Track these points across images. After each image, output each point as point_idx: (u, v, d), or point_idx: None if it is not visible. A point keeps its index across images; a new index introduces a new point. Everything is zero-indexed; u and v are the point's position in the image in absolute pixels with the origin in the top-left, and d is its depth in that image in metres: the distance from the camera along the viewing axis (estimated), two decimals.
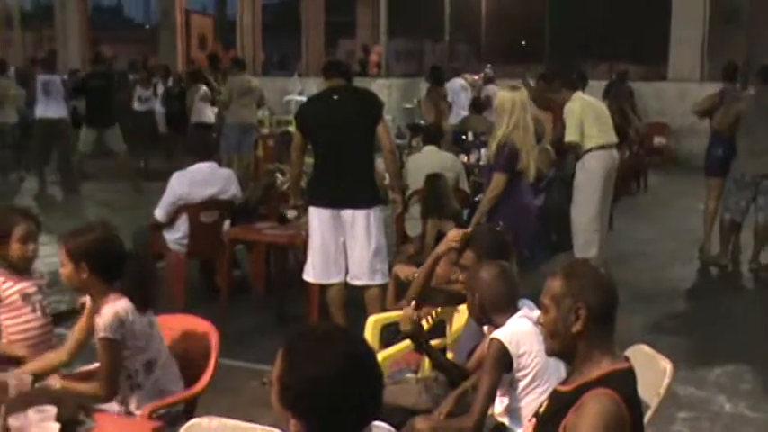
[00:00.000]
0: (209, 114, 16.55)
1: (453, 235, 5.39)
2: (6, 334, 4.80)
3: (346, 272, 7.22)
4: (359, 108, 7.29)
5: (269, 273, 8.82)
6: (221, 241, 8.49)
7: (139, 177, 15.99)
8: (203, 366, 4.50)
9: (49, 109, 15.42)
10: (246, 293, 8.75)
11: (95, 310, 4.27)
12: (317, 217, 7.10)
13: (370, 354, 2.72)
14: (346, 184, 7.10)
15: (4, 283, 4.85)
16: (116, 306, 4.18)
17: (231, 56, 19.73)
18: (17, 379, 3.95)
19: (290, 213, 7.91)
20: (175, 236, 8.36)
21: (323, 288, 7.31)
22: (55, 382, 4.27)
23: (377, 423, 2.68)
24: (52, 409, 3.28)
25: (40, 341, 4.89)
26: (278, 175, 9.80)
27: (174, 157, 16.52)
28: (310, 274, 7.27)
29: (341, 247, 7.12)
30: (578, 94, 9.66)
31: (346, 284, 7.27)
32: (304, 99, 15.34)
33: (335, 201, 7.07)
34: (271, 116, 18.53)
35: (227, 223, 8.68)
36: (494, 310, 4.34)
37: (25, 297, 4.88)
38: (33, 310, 4.90)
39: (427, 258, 6.13)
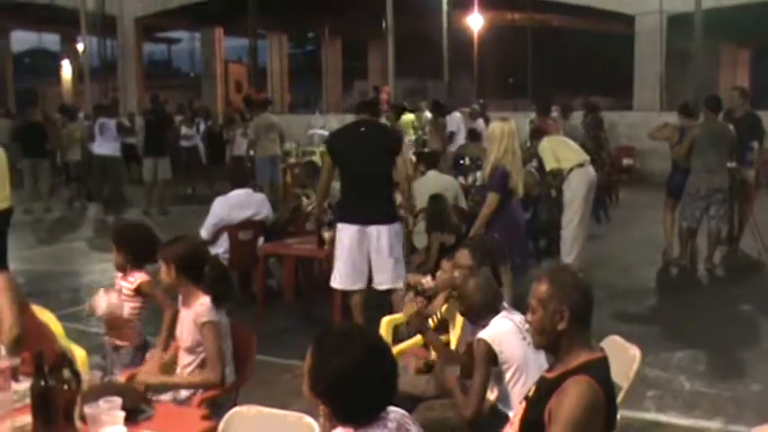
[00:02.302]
0: (245, 148, 16.66)
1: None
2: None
3: (369, 280, 7.18)
4: (382, 140, 7.27)
5: (297, 281, 8.82)
6: (256, 255, 8.51)
7: (166, 202, 16.09)
8: (244, 362, 4.52)
9: (103, 147, 15.60)
10: (279, 299, 8.75)
11: (186, 307, 4.40)
12: (347, 233, 7.02)
13: (386, 348, 2.77)
14: (372, 204, 7.05)
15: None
16: (207, 298, 4.30)
17: (263, 97, 19.80)
18: (88, 375, 3.98)
19: (328, 235, 7.85)
20: (218, 251, 8.38)
21: (346, 293, 7.25)
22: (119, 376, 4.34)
23: (392, 408, 2.71)
24: (118, 400, 3.30)
25: None
26: (303, 198, 9.81)
27: (215, 185, 16.62)
28: (338, 282, 7.18)
29: (366, 258, 7.06)
30: (546, 137, 9.84)
31: (369, 290, 7.22)
32: (326, 132, 15.43)
33: (364, 219, 7.01)
34: (297, 147, 18.60)
35: (261, 240, 8.72)
36: (477, 315, 4.39)
37: None
38: None
39: (431, 266, 6.21)
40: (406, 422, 2.74)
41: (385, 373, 2.67)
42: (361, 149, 7.08)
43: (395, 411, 2.71)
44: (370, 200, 7.08)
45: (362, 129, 7.17)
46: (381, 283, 7.13)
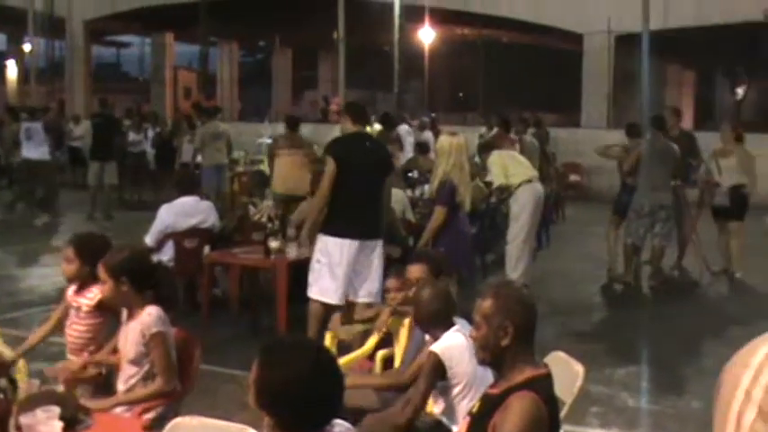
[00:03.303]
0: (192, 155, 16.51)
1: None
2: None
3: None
4: (383, 158, 7.29)
5: (243, 291, 8.75)
6: (202, 264, 8.43)
7: (112, 208, 15.86)
8: (188, 371, 4.46)
9: (31, 151, 15.38)
10: (224, 309, 8.66)
11: (132, 318, 4.27)
12: (345, 247, 6.86)
13: (333, 360, 2.74)
14: (371, 219, 6.99)
15: None
16: (154, 308, 4.20)
17: (212, 105, 19.70)
18: (25, 384, 3.90)
19: (274, 245, 7.78)
20: (163, 259, 8.30)
21: (329, 309, 6.89)
22: (58, 385, 4.24)
23: (337, 420, 2.69)
24: (56, 409, 3.24)
25: None
26: (250, 207, 9.76)
27: (163, 192, 16.47)
28: (335, 297, 6.89)
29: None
30: (495, 151, 9.84)
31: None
32: (270, 141, 15.32)
33: (364, 233, 6.92)
34: (245, 156, 18.49)
35: (207, 248, 8.64)
36: (431, 324, 4.35)
37: None
38: None
39: None
40: (344, 428, 2.72)
41: (331, 386, 2.64)
42: (368, 164, 6.97)
43: (340, 424, 2.69)
44: (370, 215, 6.99)
45: (367, 144, 7.13)
46: (366, 296, 6.97)
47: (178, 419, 3.37)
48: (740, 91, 35.47)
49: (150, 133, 20.11)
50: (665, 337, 8.53)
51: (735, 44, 24.23)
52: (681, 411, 6.38)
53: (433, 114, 21.91)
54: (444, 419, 4.20)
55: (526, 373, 3.17)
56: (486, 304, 3.24)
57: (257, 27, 32.14)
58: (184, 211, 8.51)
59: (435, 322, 4.31)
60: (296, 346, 2.69)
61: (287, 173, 11.38)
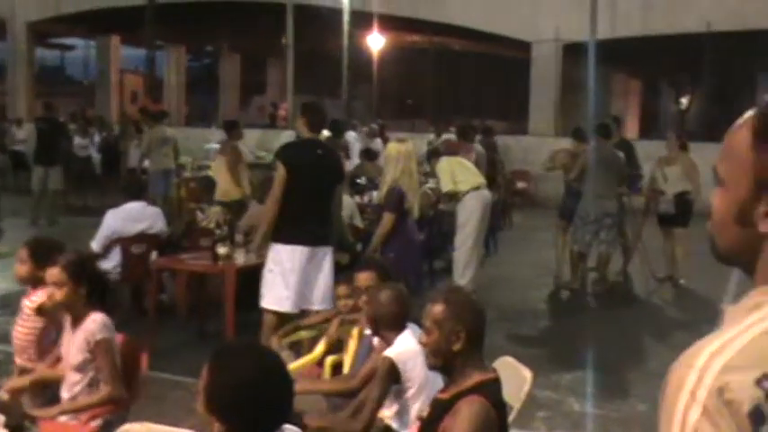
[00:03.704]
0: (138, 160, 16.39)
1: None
2: None
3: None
4: (335, 165, 7.24)
5: (191, 297, 8.70)
6: (149, 269, 8.37)
7: (56, 213, 15.67)
8: (135, 378, 4.43)
9: None
10: (171, 315, 8.62)
11: (76, 325, 4.22)
12: (296, 254, 6.79)
13: (283, 365, 2.75)
14: (322, 226, 6.94)
15: None
16: (99, 315, 4.16)
17: (159, 109, 19.55)
18: None
19: (222, 251, 7.72)
20: (109, 265, 8.22)
21: (283, 318, 6.80)
22: (2, 394, 4.19)
23: (288, 426, 2.69)
24: (1, 417, 3.21)
25: None
26: (198, 212, 9.71)
27: (109, 197, 16.29)
28: (287, 306, 6.82)
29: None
30: (443, 157, 9.90)
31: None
32: (218, 146, 15.24)
33: (315, 240, 6.86)
34: (192, 161, 18.39)
35: (154, 254, 8.58)
36: (385, 326, 4.36)
37: None
38: None
39: None
40: None
41: (281, 391, 2.65)
42: (320, 172, 6.90)
43: (290, 429, 2.70)
44: (321, 222, 6.95)
45: (319, 151, 7.02)
46: (319, 303, 6.90)
47: (126, 426, 3.37)
48: (684, 101, 36.10)
49: (96, 138, 19.93)
50: (610, 343, 8.64)
51: (680, 55, 24.63)
52: (626, 415, 6.48)
53: (381, 121, 21.93)
54: (395, 424, 4.22)
55: (475, 377, 3.21)
56: (437, 310, 3.28)
57: (205, 31, 31.96)
58: (131, 217, 8.46)
59: (392, 324, 4.33)
60: (246, 352, 2.69)
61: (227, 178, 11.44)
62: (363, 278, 5.10)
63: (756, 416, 1.30)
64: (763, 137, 1.41)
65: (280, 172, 6.80)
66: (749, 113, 1.47)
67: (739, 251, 1.48)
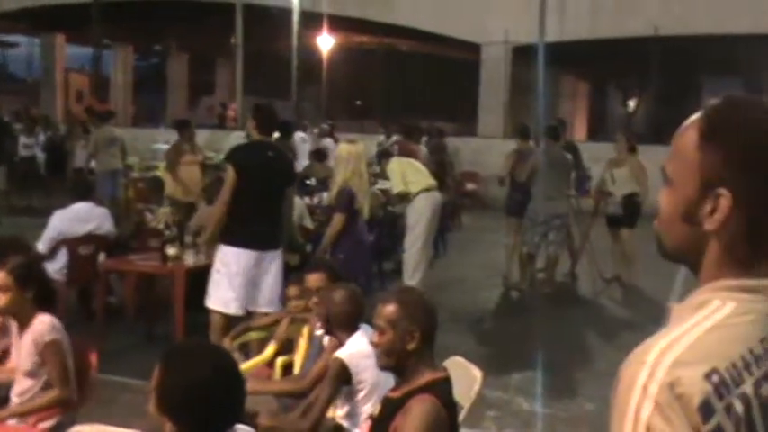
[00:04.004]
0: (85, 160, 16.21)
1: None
2: None
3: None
4: (286, 167, 7.22)
5: (139, 298, 8.63)
6: (97, 271, 8.29)
7: (2, 214, 15.46)
8: (84, 380, 4.39)
9: None
10: (119, 317, 8.54)
11: (24, 329, 4.16)
12: (244, 257, 6.76)
13: (235, 365, 2.75)
14: (271, 229, 6.91)
15: None
16: (46, 316, 4.11)
17: (105, 109, 19.36)
18: None
19: (172, 252, 7.67)
20: (56, 266, 8.12)
21: (230, 320, 6.77)
22: None
23: (240, 426, 2.69)
24: None
25: None
26: (147, 213, 9.63)
27: (54, 197, 16.11)
28: (232, 308, 6.79)
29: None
30: (394, 158, 9.94)
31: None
32: (167, 147, 15.14)
33: (263, 243, 6.83)
34: (140, 162, 18.24)
35: (102, 255, 8.50)
36: (338, 326, 4.37)
37: None
38: None
39: None
40: None
41: (233, 390, 2.65)
42: (269, 172, 6.86)
43: (242, 430, 2.70)
44: (271, 226, 6.92)
45: (270, 153, 6.98)
46: (265, 305, 6.88)
47: (77, 427, 3.34)
48: (631, 104, 36.58)
49: (41, 137, 19.68)
50: (559, 343, 8.73)
51: (627, 58, 24.94)
52: (574, 414, 6.56)
53: (331, 122, 21.93)
54: (346, 424, 4.24)
55: (426, 376, 3.24)
56: (391, 310, 3.30)
57: (153, 30, 31.71)
58: (78, 218, 8.36)
59: (345, 324, 4.35)
60: (198, 351, 2.69)
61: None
62: (314, 279, 5.10)
63: (706, 409, 1.34)
64: (709, 138, 1.45)
65: (230, 174, 6.76)
66: (696, 115, 1.51)
67: (686, 249, 1.52)
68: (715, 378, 1.37)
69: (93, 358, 4.47)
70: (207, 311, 6.98)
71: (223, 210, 6.80)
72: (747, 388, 1.39)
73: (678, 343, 1.41)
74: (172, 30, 30.83)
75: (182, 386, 2.55)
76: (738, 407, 1.37)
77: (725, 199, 1.43)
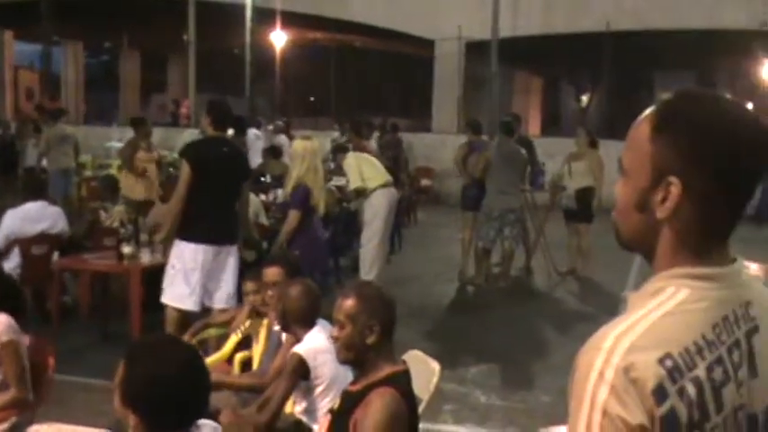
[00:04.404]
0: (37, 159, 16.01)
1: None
2: None
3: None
4: (241, 163, 7.19)
5: (94, 298, 8.57)
6: (51, 270, 8.22)
7: None
8: (41, 381, 4.37)
9: None
10: (74, 316, 8.48)
11: None
12: (200, 253, 6.75)
13: (199, 358, 2.75)
14: (227, 224, 6.91)
15: None
16: (3, 316, 4.08)
17: (56, 107, 19.12)
18: None
19: (127, 250, 7.62)
20: (9, 266, 8.05)
21: (187, 315, 6.79)
22: None
23: (204, 420, 2.70)
24: None
25: None
26: (101, 212, 9.56)
27: (6, 197, 15.91)
28: (188, 303, 6.80)
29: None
30: (350, 153, 9.92)
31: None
32: (121, 145, 15.03)
33: (219, 238, 6.83)
34: (93, 160, 18.07)
35: (56, 255, 8.43)
36: (295, 321, 4.39)
37: None
38: None
39: None
40: (211, 427, 2.73)
41: (198, 383, 2.65)
42: (224, 168, 6.84)
43: (207, 424, 2.70)
44: (226, 221, 6.92)
45: (225, 149, 6.98)
46: (221, 301, 6.88)
47: (35, 427, 3.33)
48: (585, 99, 36.90)
49: None
50: (515, 336, 8.82)
51: (580, 53, 25.17)
52: (530, 406, 6.64)
53: (286, 118, 21.89)
54: (305, 419, 4.26)
55: (386, 369, 3.28)
56: (350, 304, 3.33)
57: (104, 27, 31.37)
58: (31, 217, 8.29)
59: (302, 320, 4.36)
60: (163, 345, 2.70)
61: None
62: (271, 273, 5.11)
63: (660, 393, 1.39)
64: (660, 129, 1.51)
65: (185, 170, 6.77)
66: (650, 108, 1.56)
67: (640, 238, 1.57)
68: (668, 363, 1.41)
69: (52, 357, 4.44)
70: (164, 310, 6.98)
71: (179, 206, 6.79)
72: (700, 372, 1.43)
73: (633, 329, 1.45)
74: (123, 26, 30.53)
75: (146, 380, 2.54)
76: (691, 390, 1.42)
77: (675, 187, 1.48)
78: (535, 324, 9.49)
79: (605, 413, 1.39)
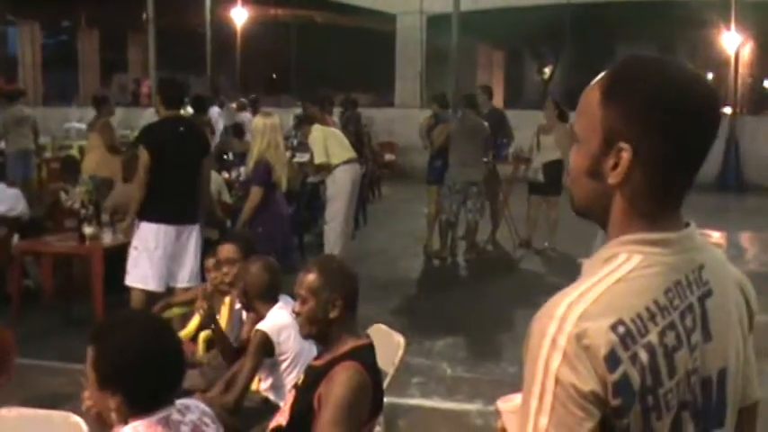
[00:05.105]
0: None
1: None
2: None
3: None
4: (199, 141, 7.13)
5: (56, 281, 8.49)
6: (11, 254, 8.13)
7: None
8: (3, 364, 4.33)
9: None
10: (36, 300, 8.39)
11: None
12: (161, 233, 6.74)
13: (169, 327, 2.72)
14: (188, 203, 6.88)
15: None
16: None
17: (13, 88, 18.84)
18: None
19: (89, 231, 7.55)
20: None
21: (152, 296, 6.71)
22: None
23: (188, 401, 2.68)
24: None
25: None
26: (62, 193, 9.46)
27: None
28: (151, 284, 6.79)
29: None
30: (316, 126, 9.85)
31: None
32: (83, 126, 14.88)
33: (180, 218, 6.81)
34: (53, 141, 17.86)
35: (16, 237, 8.34)
36: (257, 298, 4.38)
37: None
38: None
39: None
40: (200, 410, 2.69)
41: (168, 347, 2.60)
42: (183, 149, 6.82)
43: (193, 405, 2.67)
44: (187, 200, 6.89)
45: (181, 128, 6.94)
46: (185, 281, 6.88)
47: None
48: (547, 71, 36.97)
49: None
50: (481, 308, 8.87)
51: (542, 26, 25.18)
52: (497, 377, 6.68)
53: (254, 96, 21.72)
54: (271, 396, 4.26)
55: (349, 343, 3.28)
56: (312, 278, 3.32)
57: (60, 6, 30.94)
58: None
59: (264, 296, 4.35)
60: (126, 318, 2.68)
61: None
62: (226, 250, 5.08)
63: (612, 359, 1.40)
64: (610, 95, 1.51)
65: (143, 156, 6.76)
66: (600, 74, 1.56)
67: (593, 204, 1.58)
68: (621, 329, 1.42)
69: (13, 342, 4.41)
70: (128, 291, 6.95)
71: (141, 193, 6.80)
72: (653, 337, 1.45)
73: (585, 296, 1.46)
74: (80, 5, 30.13)
75: (117, 352, 2.48)
76: (643, 356, 1.43)
77: (625, 153, 1.48)
78: (501, 296, 9.53)
79: (558, 380, 1.40)
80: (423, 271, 10.83)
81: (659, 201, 1.53)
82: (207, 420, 2.66)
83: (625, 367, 1.41)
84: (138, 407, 2.51)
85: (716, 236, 12.25)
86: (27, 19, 32.20)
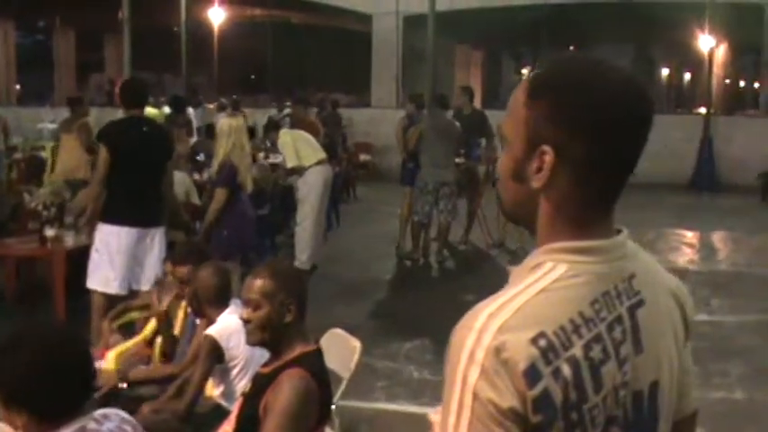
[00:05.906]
0: None
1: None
2: None
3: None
4: (162, 142, 7.01)
5: (19, 283, 8.36)
6: None
7: None
8: None
9: None
10: None
11: None
12: (123, 235, 6.60)
13: (70, 337, 2.59)
14: (150, 205, 6.75)
15: None
16: None
17: None
18: None
19: (51, 233, 7.43)
20: None
21: (113, 300, 6.56)
22: None
23: (109, 410, 2.59)
24: None
25: None
26: (26, 194, 9.33)
27: None
28: (112, 287, 6.63)
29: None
30: (284, 130, 9.80)
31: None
32: (56, 127, 14.70)
33: (143, 220, 6.68)
34: (25, 141, 17.69)
35: None
36: (207, 302, 4.29)
37: None
38: None
39: None
40: (119, 417, 2.60)
41: (72, 361, 2.48)
42: (144, 149, 6.68)
43: (113, 414, 2.57)
44: (151, 202, 6.76)
45: (145, 128, 6.82)
46: (147, 284, 6.62)
47: None
48: (525, 72, 37.04)
49: None
50: (451, 311, 8.55)
51: (520, 27, 25.22)
52: None
53: (235, 97, 21.63)
54: (224, 402, 4.18)
55: (297, 350, 3.21)
56: (264, 282, 3.24)
57: (35, 6, 30.73)
58: None
59: (213, 300, 4.26)
60: (18, 334, 2.52)
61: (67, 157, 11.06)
62: (180, 272, 4.78)
63: (531, 374, 1.32)
64: (533, 96, 1.44)
65: (102, 154, 6.62)
66: (526, 76, 1.49)
67: (520, 209, 1.50)
68: (542, 342, 1.34)
69: None
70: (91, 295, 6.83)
71: (97, 190, 6.70)
72: (577, 351, 1.37)
73: (506, 308, 1.39)
74: (56, 4, 29.92)
75: (11, 369, 2.41)
76: (567, 370, 1.35)
77: (548, 155, 1.41)
78: (471, 298, 9.41)
79: (476, 396, 1.33)
80: (394, 273, 10.75)
81: (587, 206, 1.45)
82: (127, 428, 2.55)
83: (546, 383, 1.33)
84: (47, 421, 2.42)
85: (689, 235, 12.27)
86: (1, 18, 31.96)
